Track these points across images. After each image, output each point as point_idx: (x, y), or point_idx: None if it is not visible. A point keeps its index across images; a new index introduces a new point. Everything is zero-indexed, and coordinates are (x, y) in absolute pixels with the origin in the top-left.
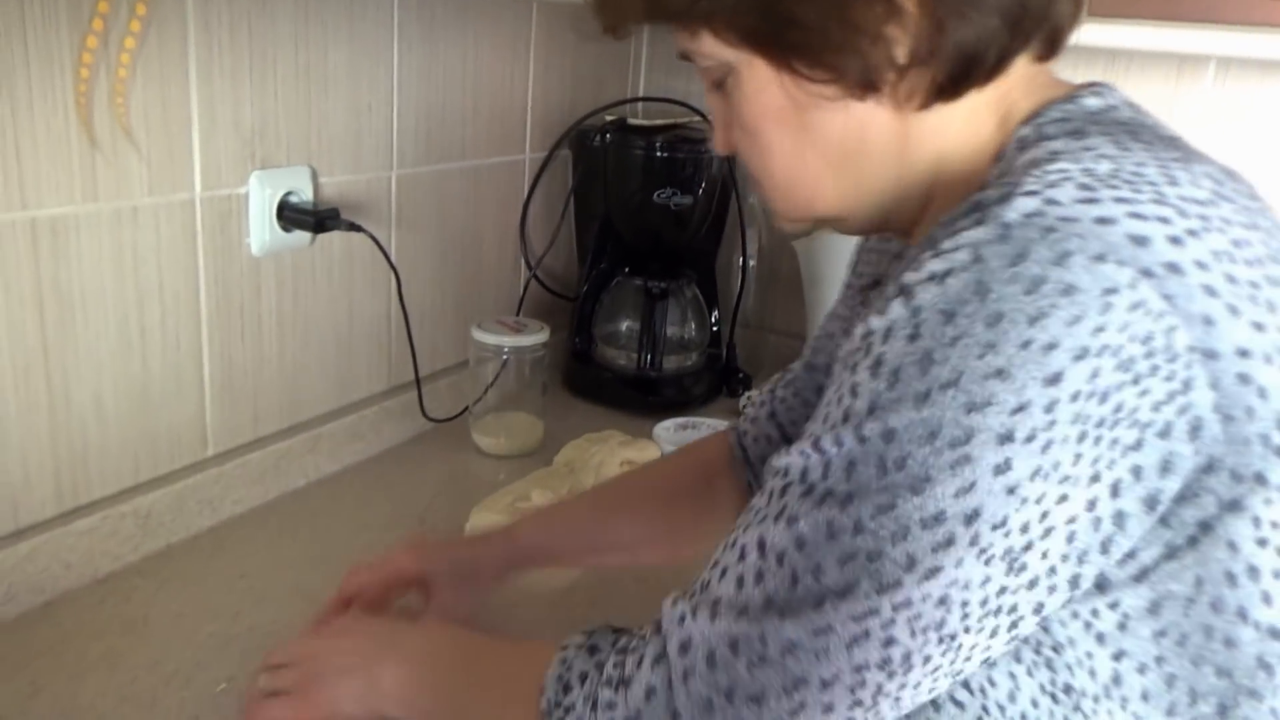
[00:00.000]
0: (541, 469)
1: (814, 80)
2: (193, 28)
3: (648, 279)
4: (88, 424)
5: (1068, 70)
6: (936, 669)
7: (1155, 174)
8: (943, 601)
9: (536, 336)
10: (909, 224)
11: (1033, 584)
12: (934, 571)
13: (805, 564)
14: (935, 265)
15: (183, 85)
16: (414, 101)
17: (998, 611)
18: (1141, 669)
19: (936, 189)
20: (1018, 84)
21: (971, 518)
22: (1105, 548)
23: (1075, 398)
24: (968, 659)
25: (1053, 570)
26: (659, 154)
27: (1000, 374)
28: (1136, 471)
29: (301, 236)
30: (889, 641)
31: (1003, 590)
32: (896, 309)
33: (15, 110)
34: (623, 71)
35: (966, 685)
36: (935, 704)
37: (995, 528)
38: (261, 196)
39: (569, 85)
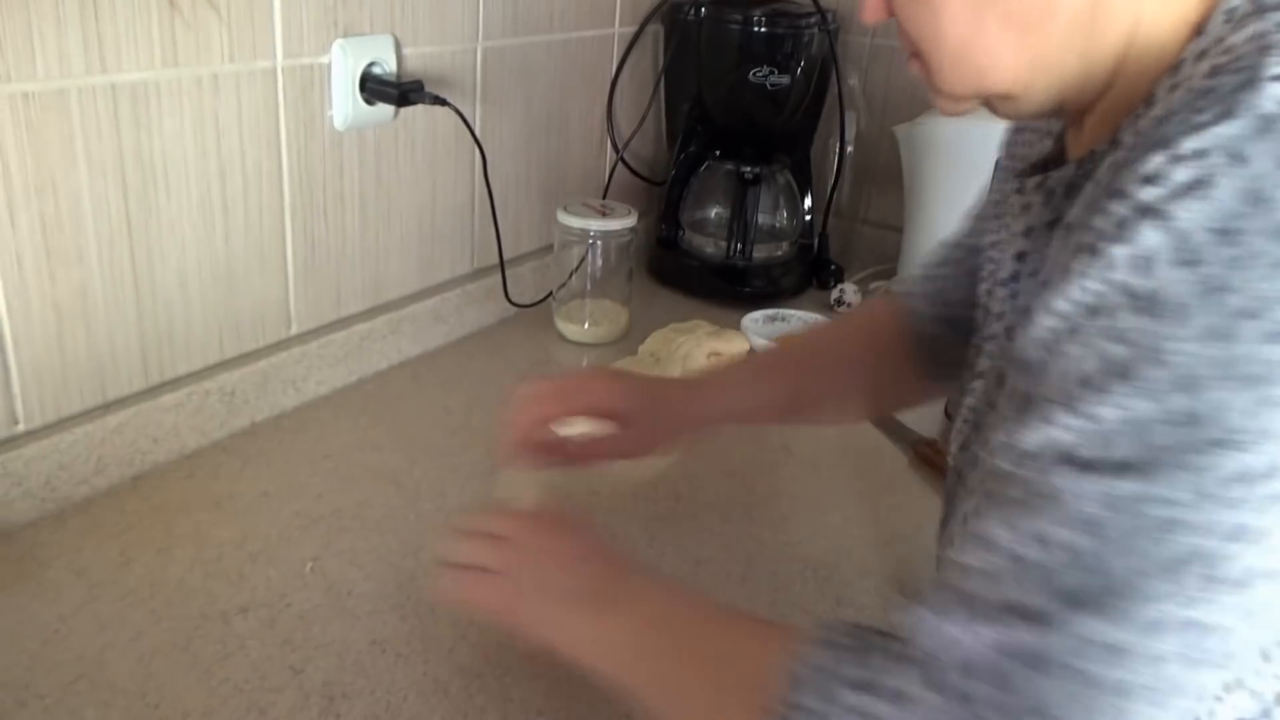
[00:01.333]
0: (626, 358)
1: None
2: None
3: (739, 164)
4: (172, 300)
5: None
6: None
7: None
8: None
9: (624, 221)
10: (1085, 108)
11: None
12: (1265, 535)
13: (1110, 550)
14: (1183, 174)
15: None
16: None
17: None
18: None
19: (1124, 67)
20: None
21: None
22: None
23: None
24: None
25: None
26: (756, 29)
27: None
28: None
29: (384, 110)
30: (1227, 632)
31: None
32: (1149, 235)
33: None
34: None
35: None
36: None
37: None
38: (344, 66)
39: None
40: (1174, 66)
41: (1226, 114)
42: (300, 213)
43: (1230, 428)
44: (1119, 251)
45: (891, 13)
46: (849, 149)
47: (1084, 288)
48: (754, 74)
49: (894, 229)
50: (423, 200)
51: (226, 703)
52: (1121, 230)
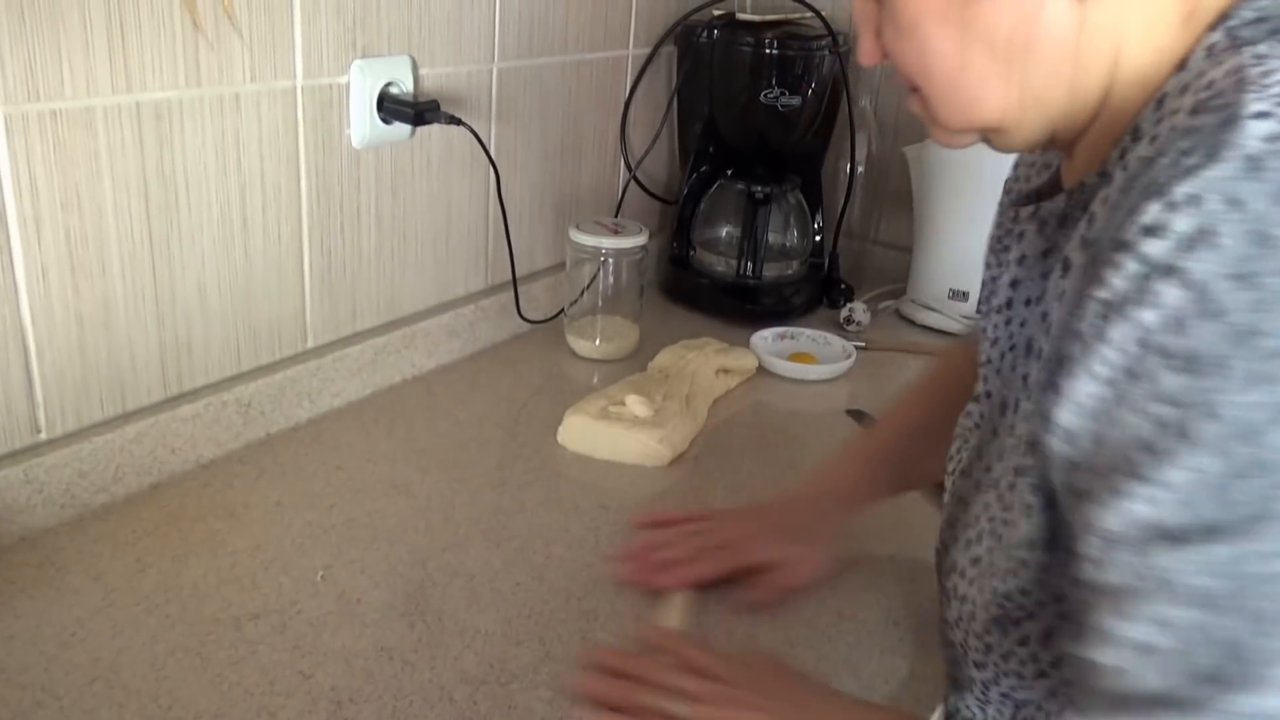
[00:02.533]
0: (636, 374)
1: None
2: None
3: (750, 183)
4: (192, 313)
5: None
6: None
7: None
8: None
9: (635, 239)
10: (1075, 138)
11: None
12: None
13: (1231, 619)
14: (1183, 222)
15: None
16: None
17: None
18: None
19: (1110, 98)
20: None
21: None
22: None
23: None
24: None
25: None
26: (768, 51)
27: None
28: None
29: (401, 129)
30: None
31: None
32: (1171, 293)
33: None
34: None
35: None
36: None
37: None
38: (363, 87)
39: None
40: (1158, 99)
41: (1213, 156)
42: (318, 229)
43: None
44: (1147, 315)
45: (885, 55)
46: (859, 169)
47: (1120, 351)
48: (765, 95)
49: (904, 249)
50: (438, 218)
51: (237, 706)
52: (1142, 291)
